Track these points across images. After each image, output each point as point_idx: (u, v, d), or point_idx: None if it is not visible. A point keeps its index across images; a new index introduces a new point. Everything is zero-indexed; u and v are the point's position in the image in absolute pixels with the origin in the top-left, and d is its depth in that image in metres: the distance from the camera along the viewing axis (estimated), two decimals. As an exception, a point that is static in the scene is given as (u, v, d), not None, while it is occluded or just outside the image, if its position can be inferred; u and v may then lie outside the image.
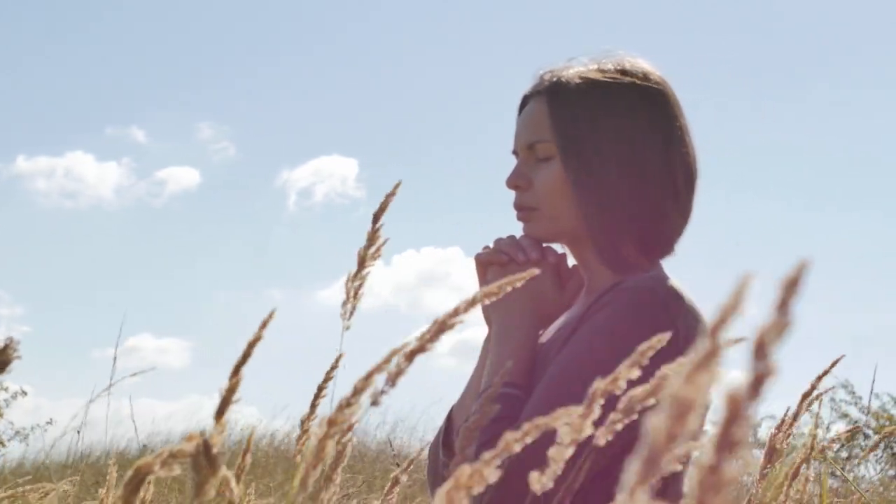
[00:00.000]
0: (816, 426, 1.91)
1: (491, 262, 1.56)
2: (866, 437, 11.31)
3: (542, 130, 1.51)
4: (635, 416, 0.83)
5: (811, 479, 1.85)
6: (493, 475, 0.57)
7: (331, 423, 0.61)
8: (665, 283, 1.41)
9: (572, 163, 1.47)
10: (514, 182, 1.53)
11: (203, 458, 0.61)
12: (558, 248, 1.59)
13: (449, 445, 1.57)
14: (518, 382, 1.44)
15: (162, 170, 16.51)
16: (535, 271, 0.82)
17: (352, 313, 1.10)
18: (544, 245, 1.56)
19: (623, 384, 0.79)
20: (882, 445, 11.29)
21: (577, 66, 1.53)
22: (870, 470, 11.01)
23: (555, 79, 1.52)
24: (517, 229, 1.56)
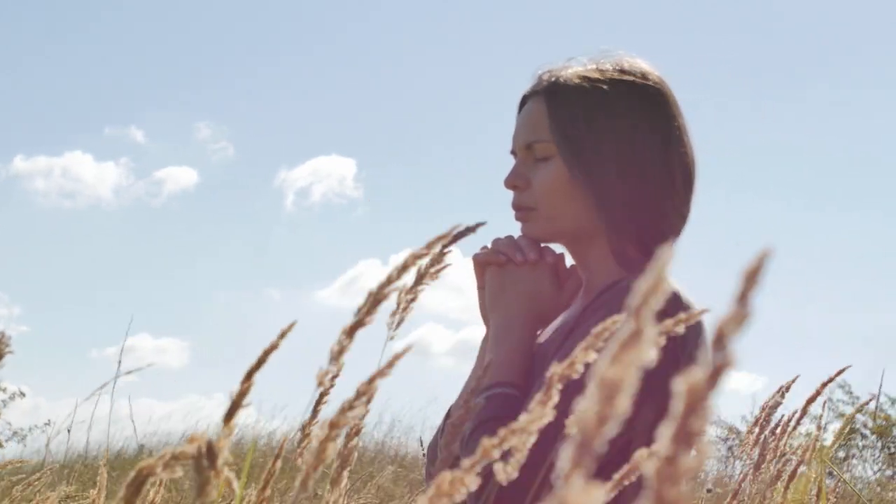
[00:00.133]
0: (820, 428, 1.92)
1: (489, 263, 1.56)
2: (863, 437, 11.32)
3: (540, 130, 1.51)
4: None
5: (812, 479, 1.85)
6: (473, 482, 0.57)
7: (332, 425, 0.61)
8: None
9: (572, 162, 1.47)
10: (512, 182, 1.53)
11: (205, 459, 0.61)
12: (556, 248, 1.59)
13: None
14: (515, 382, 1.45)
15: (160, 170, 16.51)
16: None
17: (399, 325, 1.10)
18: (542, 245, 1.56)
19: (580, 368, 0.78)
20: (879, 445, 11.29)
21: (576, 66, 1.53)
22: (867, 470, 11.01)
23: (553, 79, 1.52)
24: (515, 229, 1.56)
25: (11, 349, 0.78)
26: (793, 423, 1.73)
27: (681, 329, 0.72)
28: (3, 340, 0.76)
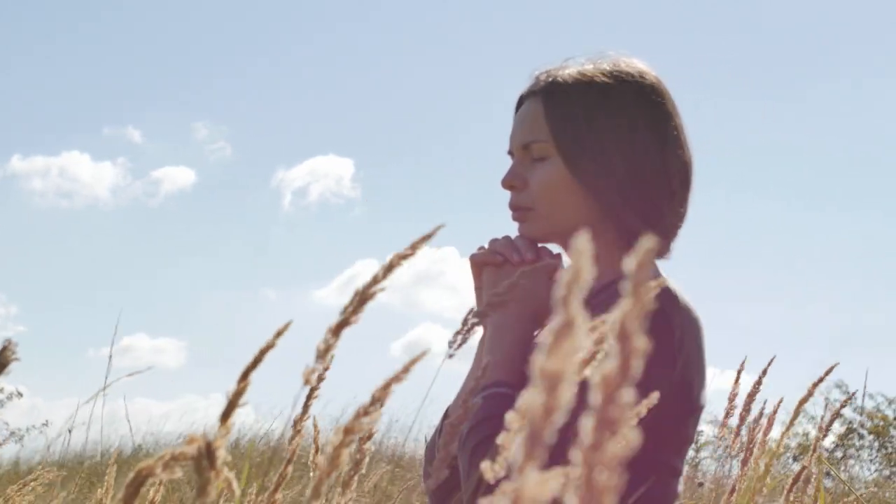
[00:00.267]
0: (822, 430, 1.92)
1: (486, 263, 1.56)
2: (861, 436, 11.33)
3: (537, 130, 1.51)
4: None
5: (812, 479, 1.85)
6: None
7: (347, 431, 0.61)
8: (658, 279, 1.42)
9: (573, 162, 1.48)
10: (509, 182, 1.53)
11: (205, 460, 0.61)
12: (554, 248, 1.59)
13: (444, 445, 1.57)
14: (512, 382, 1.45)
15: (158, 169, 16.52)
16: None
17: (461, 345, 1.11)
18: (540, 245, 1.56)
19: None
20: (877, 445, 11.31)
21: (573, 66, 1.53)
22: (864, 470, 11.03)
23: (550, 79, 1.52)
24: (513, 229, 1.56)
25: (18, 356, 0.78)
26: (786, 424, 1.73)
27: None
28: (9, 347, 0.76)
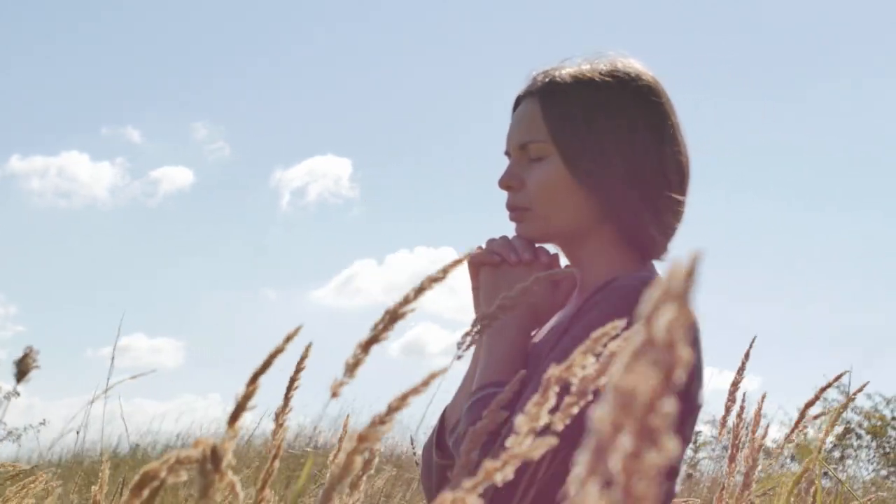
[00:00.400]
0: (828, 432, 1.92)
1: (483, 263, 1.56)
2: (858, 436, 11.34)
3: (534, 130, 1.51)
4: (590, 399, 0.83)
5: (808, 479, 1.85)
6: (475, 502, 0.57)
7: (361, 439, 0.61)
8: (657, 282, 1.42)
9: (573, 162, 1.48)
10: (506, 182, 1.53)
11: (210, 463, 0.61)
12: (551, 248, 1.59)
13: (442, 446, 1.57)
14: (509, 382, 1.45)
15: (156, 169, 16.51)
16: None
17: (469, 346, 1.11)
18: (537, 245, 1.56)
19: (579, 371, 0.78)
20: (874, 445, 11.32)
21: (570, 66, 1.54)
22: (862, 470, 11.03)
23: (547, 79, 1.53)
24: (511, 230, 1.57)
25: (38, 364, 0.79)
26: (770, 415, 1.73)
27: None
28: (31, 355, 0.77)
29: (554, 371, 0.77)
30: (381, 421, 0.63)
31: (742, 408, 1.75)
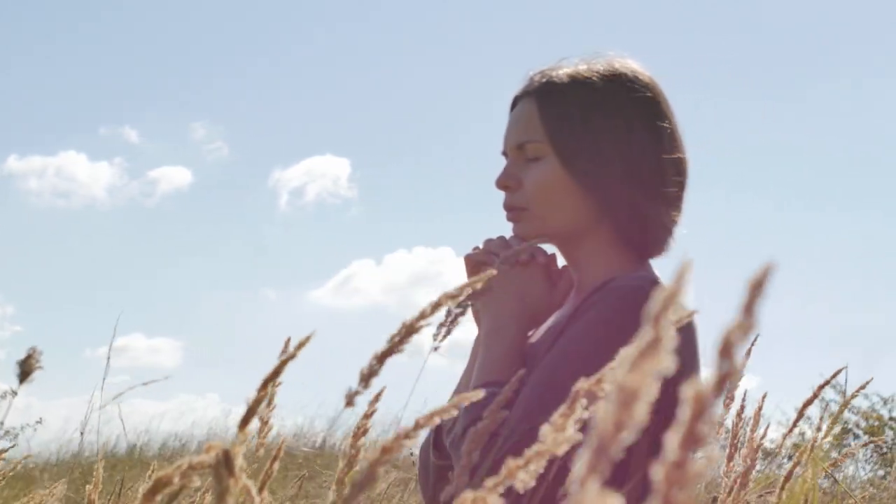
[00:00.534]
0: (819, 430, 1.92)
1: (481, 263, 1.57)
2: (856, 437, 11.35)
3: (531, 130, 1.52)
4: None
5: (808, 481, 1.85)
6: (496, 502, 0.57)
7: (385, 450, 0.62)
8: (653, 282, 1.42)
9: (571, 163, 1.48)
10: (503, 182, 1.53)
11: (223, 468, 0.61)
12: (548, 248, 1.59)
13: (439, 446, 1.57)
14: (507, 382, 1.45)
15: (155, 169, 16.51)
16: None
17: (445, 336, 1.11)
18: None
19: (608, 386, 0.79)
20: (871, 445, 11.32)
21: (567, 66, 1.54)
22: (860, 470, 11.03)
23: (544, 79, 1.53)
24: (509, 230, 1.57)
25: (42, 365, 0.79)
26: (779, 420, 1.73)
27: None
28: (34, 356, 0.77)
29: (583, 384, 0.77)
30: (406, 435, 0.63)
31: (742, 407, 1.75)
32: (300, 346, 0.77)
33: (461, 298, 0.76)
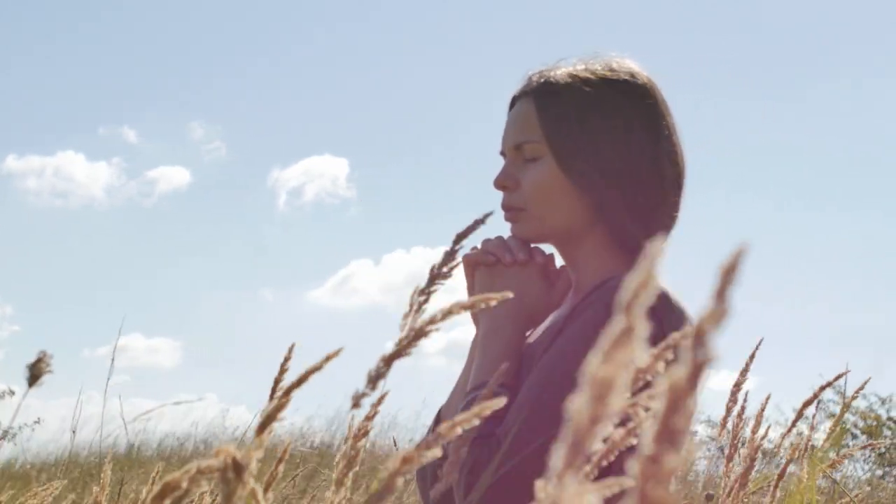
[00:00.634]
0: (812, 428, 1.93)
1: (478, 263, 1.57)
2: (854, 436, 11.35)
3: (529, 131, 1.52)
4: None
5: (804, 481, 1.86)
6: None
7: (405, 460, 0.62)
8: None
9: (567, 163, 1.48)
10: (501, 182, 1.53)
11: (231, 472, 0.61)
12: (546, 248, 1.59)
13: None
14: (504, 382, 1.45)
15: (153, 169, 16.51)
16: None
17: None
18: (532, 245, 1.57)
19: (642, 412, 0.78)
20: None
21: (566, 66, 1.54)
22: (857, 470, 11.04)
23: (542, 79, 1.53)
24: (507, 230, 1.57)
25: (51, 369, 0.79)
26: (777, 420, 1.74)
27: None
28: (44, 360, 0.77)
29: (615, 435, 0.75)
30: (427, 446, 0.63)
31: (743, 408, 1.75)
32: (328, 358, 0.77)
33: (474, 310, 0.77)
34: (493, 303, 0.77)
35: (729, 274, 0.36)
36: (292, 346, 1.09)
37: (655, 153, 1.49)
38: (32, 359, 0.77)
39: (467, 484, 1.35)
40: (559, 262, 1.59)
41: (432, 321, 0.77)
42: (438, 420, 1.61)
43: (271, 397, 1.10)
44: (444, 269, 1.12)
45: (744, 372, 1.72)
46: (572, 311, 1.44)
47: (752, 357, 1.76)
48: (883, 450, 11.15)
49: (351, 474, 0.86)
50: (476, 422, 0.62)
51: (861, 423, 11.44)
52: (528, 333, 1.56)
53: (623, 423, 0.61)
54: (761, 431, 1.74)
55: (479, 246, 1.58)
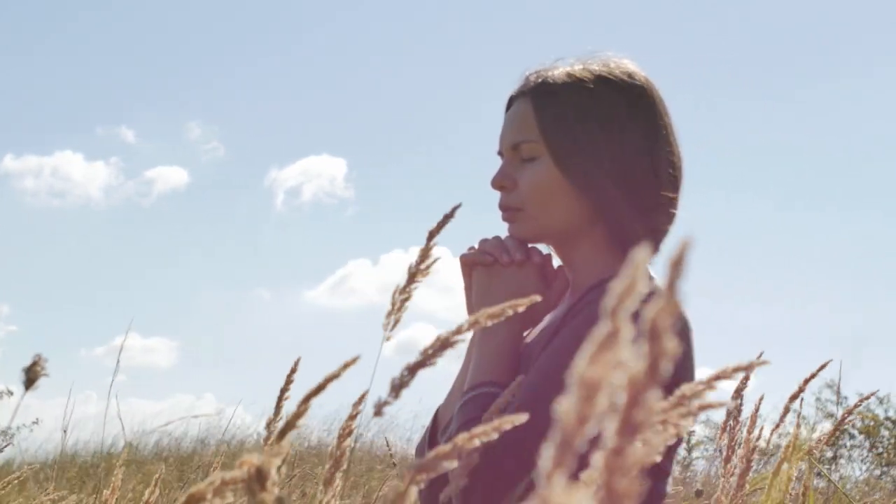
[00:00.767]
0: (799, 426, 1.93)
1: (476, 263, 1.57)
2: (851, 436, 11.36)
3: (526, 131, 1.52)
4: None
5: (794, 478, 1.86)
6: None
7: (420, 469, 0.62)
8: (647, 282, 1.42)
9: (565, 163, 1.48)
10: (498, 182, 1.53)
11: (255, 483, 0.62)
12: (543, 248, 1.59)
13: (435, 446, 1.57)
14: (501, 382, 1.45)
15: (151, 169, 16.51)
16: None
17: (395, 325, 1.12)
18: (529, 245, 1.57)
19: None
20: (867, 445, 11.33)
21: (563, 66, 1.54)
22: (855, 470, 11.05)
23: (540, 79, 1.53)
24: (504, 230, 1.57)
25: (47, 372, 0.79)
26: (777, 420, 1.74)
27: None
28: (39, 363, 0.77)
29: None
30: (444, 456, 0.63)
31: (739, 410, 1.76)
32: (346, 366, 0.77)
33: (501, 318, 0.77)
34: (521, 308, 0.77)
35: (677, 266, 0.37)
36: (298, 359, 1.10)
37: (653, 153, 1.49)
38: (28, 362, 0.77)
39: (468, 488, 1.34)
40: (556, 262, 1.59)
41: (458, 331, 0.77)
42: (436, 420, 1.61)
43: (277, 407, 1.10)
44: (422, 267, 1.13)
45: (744, 380, 1.73)
46: (569, 311, 1.44)
47: (750, 367, 1.77)
48: (881, 449, 11.16)
49: (339, 474, 0.86)
50: (495, 435, 0.62)
51: (859, 423, 11.44)
52: (525, 333, 1.56)
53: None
54: (755, 433, 1.74)
55: (476, 246, 1.58)
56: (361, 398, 0.89)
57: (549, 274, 1.58)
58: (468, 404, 1.44)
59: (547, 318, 1.54)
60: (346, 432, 0.88)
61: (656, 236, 1.52)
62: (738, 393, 1.72)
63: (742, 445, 1.68)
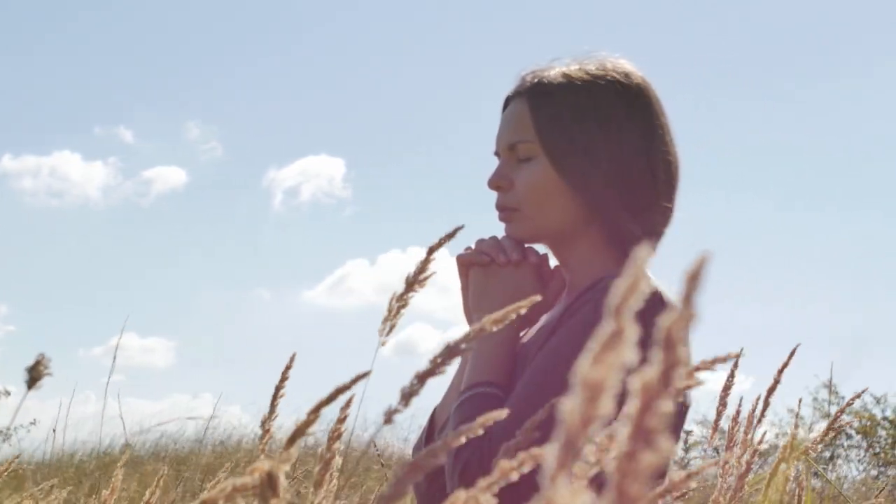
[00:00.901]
0: (797, 426, 1.93)
1: (472, 263, 1.57)
2: (848, 437, 11.37)
3: (523, 131, 1.52)
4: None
5: (791, 478, 1.86)
6: (489, 502, 0.58)
7: (415, 467, 0.62)
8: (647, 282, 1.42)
9: (561, 163, 1.48)
10: (495, 183, 1.53)
11: (267, 489, 0.62)
12: (540, 248, 1.59)
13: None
14: (498, 382, 1.45)
15: (149, 169, 16.51)
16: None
17: (390, 331, 1.13)
18: (526, 245, 1.57)
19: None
20: (864, 445, 11.33)
21: (559, 66, 1.54)
22: (853, 470, 11.06)
23: (536, 79, 1.53)
24: (502, 230, 1.57)
25: (50, 371, 0.79)
26: (757, 414, 1.74)
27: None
28: (42, 362, 0.77)
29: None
30: (436, 453, 0.63)
31: (738, 411, 1.76)
32: (357, 378, 0.77)
33: (506, 322, 0.77)
34: (524, 311, 0.77)
35: (694, 280, 0.37)
36: (293, 355, 1.10)
37: (649, 153, 1.49)
38: (31, 361, 0.77)
39: (461, 486, 1.35)
40: (553, 262, 1.59)
41: (466, 339, 0.77)
42: (433, 420, 1.61)
43: (272, 404, 1.10)
44: (420, 278, 1.14)
45: (730, 377, 1.73)
46: (566, 311, 1.44)
47: (735, 364, 1.77)
48: (878, 449, 11.17)
49: (329, 476, 0.87)
50: (480, 431, 0.62)
51: (856, 423, 11.45)
52: (521, 333, 1.56)
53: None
54: (757, 434, 1.74)
55: (472, 246, 1.58)
56: (349, 402, 0.89)
57: (546, 274, 1.58)
58: (465, 404, 1.44)
59: (543, 318, 1.54)
60: (335, 435, 0.88)
61: (653, 237, 1.52)
62: (727, 391, 1.73)
63: (739, 445, 1.68)
